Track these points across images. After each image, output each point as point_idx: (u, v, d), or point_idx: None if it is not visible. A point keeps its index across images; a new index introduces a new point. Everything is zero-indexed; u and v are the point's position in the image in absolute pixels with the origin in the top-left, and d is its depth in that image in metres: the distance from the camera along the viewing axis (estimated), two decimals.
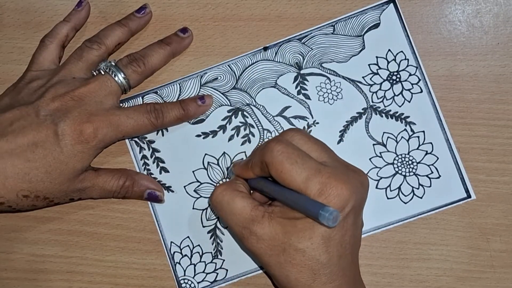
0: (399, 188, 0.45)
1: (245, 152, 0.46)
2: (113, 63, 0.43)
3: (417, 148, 0.45)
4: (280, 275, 0.38)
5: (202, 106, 0.45)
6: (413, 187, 0.45)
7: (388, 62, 0.45)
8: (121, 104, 0.45)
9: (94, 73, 0.43)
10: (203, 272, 0.45)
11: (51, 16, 0.47)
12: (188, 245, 0.46)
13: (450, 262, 0.45)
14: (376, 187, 0.45)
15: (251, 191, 0.42)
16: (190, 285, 0.45)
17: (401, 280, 0.45)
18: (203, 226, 0.46)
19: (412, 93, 0.45)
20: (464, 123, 0.45)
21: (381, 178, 0.45)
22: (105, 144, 0.42)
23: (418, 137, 0.45)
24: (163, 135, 0.46)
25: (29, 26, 0.47)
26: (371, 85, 0.45)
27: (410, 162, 0.45)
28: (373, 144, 0.45)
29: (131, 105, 0.46)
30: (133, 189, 0.44)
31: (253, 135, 0.46)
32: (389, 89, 0.45)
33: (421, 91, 0.45)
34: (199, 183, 0.46)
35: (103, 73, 0.43)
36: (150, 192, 0.45)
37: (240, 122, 0.46)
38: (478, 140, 0.45)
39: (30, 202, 0.41)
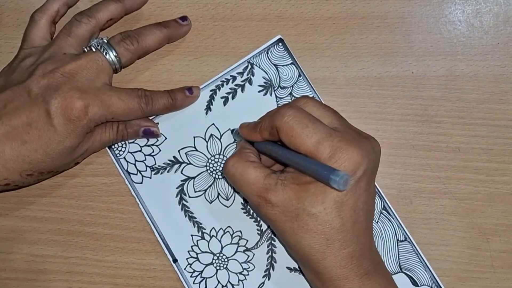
0: None
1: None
2: (105, 40, 0.43)
3: None
4: (294, 241, 0.38)
5: (189, 97, 0.45)
6: None
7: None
8: None
9: (85, 49, 0.43)
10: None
11: None
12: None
13: (450, 262, 0.45)
14: None
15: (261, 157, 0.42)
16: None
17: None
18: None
19: None
20: (464, 123, 0.45)
21: None
22: (95, 123, 0.41)
23: None
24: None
25: None
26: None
27: None
28: None
29: None
30: (128, 130, 0.44)
31: None
32: None
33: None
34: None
35: (94, 50, 0.42)
36: (144, 129, 0.45)
37: None
38: (478, 140, 0.45)
39: (35, 178, 0.42)
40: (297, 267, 0.45)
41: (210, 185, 0.46)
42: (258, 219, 0.45)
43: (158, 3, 0.47)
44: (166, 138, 0.46)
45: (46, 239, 0.46)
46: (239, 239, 0.45)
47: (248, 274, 0.45)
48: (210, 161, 0.46)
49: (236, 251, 0.45)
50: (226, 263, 0.45)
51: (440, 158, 0.46)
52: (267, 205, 0.38)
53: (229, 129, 0.46)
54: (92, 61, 0.41)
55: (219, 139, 0.46)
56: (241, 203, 0.45)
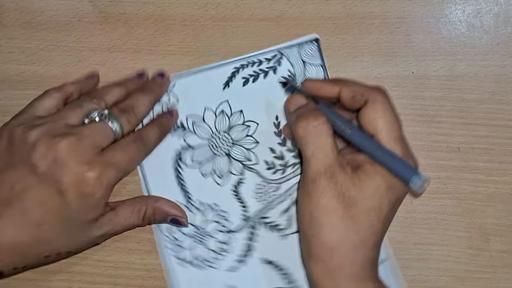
0: None
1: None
2: (106, 112, 0.41)
3: None
4: (336, 225, 0.37)
5: (173, 119, 0.45)
6: None
7: None
8: None
9: (85, 120, 0.41)
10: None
11: (51, 16, 0.47)
12: None
13: (450, 262, 0.45)
14: None
15: None
16: None
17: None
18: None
19: None
20: (465, 123, 0.45)
21: None
22: (110, 189, 0.40)
23: None
24: None
25: (29, 26, 0.47)
26: None
27: None
28: None
29: None
30: (155, 217, 0.44)
31: None
32: None
33: None
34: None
35: (97, 120, 0.41)
36: (172, 218, 0.44)
37: None
38: (478, 140, 0.45)
39: (52, 259, 0.40)
40: (272, 260, 0.45)
41: (209, 160, 0.46)
42: (246, 204, 0.45)
43: (158, 3, 0.47)
44: (178, 100, 0.46)
45: None
46: (224, 220, 0.45)
47: (223, 255, 0.45)
48: (214, 136, 0.46)
49: (218, 230, 0.45)
50: (206, 239, 0.45)
51: (440, 158, 0.46)
52: (333, 177, 0.37)
53: (279, 82, 0.46)
54: (98, 131, 0.40)
55: (229, 117, 0.46)
56: (233, 185, 0.45)
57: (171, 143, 0.46)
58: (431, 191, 0.45)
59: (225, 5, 0.47)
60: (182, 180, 0.45)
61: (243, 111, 0.46)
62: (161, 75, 0.46)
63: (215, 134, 0.46)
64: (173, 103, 0.46)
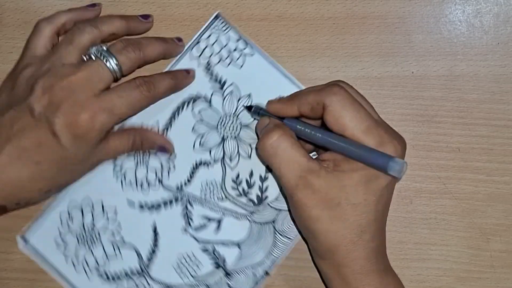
0: None
1: None
2: (104, 48, 0.41)
3: None
4: (328, 229, 0.38)
5: (188, 77, 0.45)
6: None
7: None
8: None
9: (84, 58, 0.41)
10: None
11: None
12: None
13: (450, 262, 0.45)
14: None
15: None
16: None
17: (401, 280, 0.45)
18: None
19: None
20: (465, 123, 0.45)
21: None
22: (105, 131, 0.41)
23: None
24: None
25: (29, 26, 0.47)
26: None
27: None
28: None
29: None
30: (143, 146, 0.44)
31: None
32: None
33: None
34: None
35: (94, 58, 0.41)
36: (159, 146, 0.45)
37: None
38: (478, 140, 0.45)
39: (55, 192, 0.42)
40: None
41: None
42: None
43: (158, 3, 0.47)
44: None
45: None
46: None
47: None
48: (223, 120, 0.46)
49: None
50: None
51: (440, 158, 0.46)
52: (307, 188, 0.37)
53: (243, 106, 0.45)
54: (92, 71, 0.40)
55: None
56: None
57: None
58: (431, 191, 0.45)
59: (225, 5, 0.47)
60: None
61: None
62: (180, 39, 0.46)
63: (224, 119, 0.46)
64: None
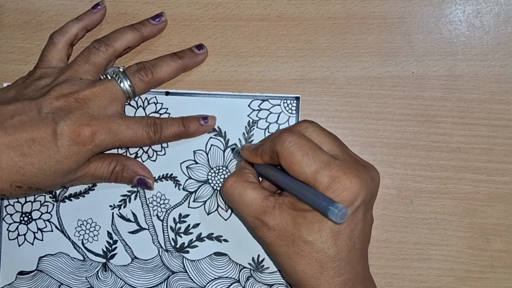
0: None
1: None
2: (121, 69, 0.43)
3: None
4: (288, 266, 0.38)
5: (203, 126, 0.45)
6: None
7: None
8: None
9: (102, 77, 0.43)
10: None
11: (51, 16, 0.47)
12: None
13: (450, 262, 0.45)
14: None
15: (260, 178, 0.43)
16: None
17: (401, 280, 0.45)
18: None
19: None
20: (465, 123, 0.45)
21: None
22: (101, 149, 0.41)
23: None
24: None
25: (29, 26, 0.47)
26: None
27: None
28: None
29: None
30: (123, 174, 0.44)
31: None
32: None
33: None
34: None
35: (109, 78, 0.43)
36: (139, 178, 0.44)
37: None
38: (478, 140, 0.45)
39: (23, 191, 0.41)
40: None
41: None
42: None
43: (158, 3, 0.47)
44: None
45: None
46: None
47: None
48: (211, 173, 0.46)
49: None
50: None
51: (440, 158, 0.46)
52: (264, 227, 0.39)
53: (230, 147, 0.46)
54: (106, 89, 0.42)
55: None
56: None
57: None
58: (431, 191, 0.45)
59: (225, 5, 0.47)
60: None
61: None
62: (200, 47, 0.46)
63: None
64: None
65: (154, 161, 0.46)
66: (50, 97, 0.41)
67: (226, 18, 0.47)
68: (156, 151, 0.46)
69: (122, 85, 0.42)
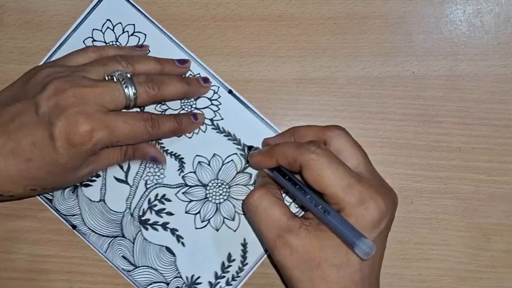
0: None
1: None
2: (128, 75, 0.42)
3: None
4: None
5: (194, 123, 0.45)
6: None
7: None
8: None
9: (106, 77, 0.42)
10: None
11: (52, 16, 0.47)
12: None
13: (451, 262, 0.45)
14: None
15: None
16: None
17: (402, 280, 0.45)
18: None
19: None
20: (465, 123, 0.45)
21: None
22: (99, 148, 0.41)
23: None
24: None
25: (29, 25, 0.47)
26: None
27: None
28: None
29: None
30: (135, 155, 0.45)
31: None
32: None
33: None
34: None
35: (115, 80, 0.41)
36: (151, 156, 0.45)
37: None
38: (479, 140, 0.45)
39: (39, 192, 0.42)
40: None
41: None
42: None
43: (159, 3, 0.47)
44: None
45: (47, 239, 0.46)
46: None
47: None
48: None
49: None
50: None
51: (441, 158, 0.46)
52: (285, 248, 0.37)
53: (235, 153, 0.46)
54: (109, 90, 0.40)
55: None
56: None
57: None
58: (432, 191, 0.45)
59: (226, 5, 0.47)
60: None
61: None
62: (206, 80, 0.46)
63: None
64: None
65: (190, 138, 0.46)
66: (47, 93, 0.39)
67: (227, 18, 0.47)
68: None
69: (126, 90, 0.41)
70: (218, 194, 0.46)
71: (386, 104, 0.46)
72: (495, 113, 0.45)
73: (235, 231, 0.45)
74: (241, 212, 0.45)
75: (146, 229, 0.46)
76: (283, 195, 0.42)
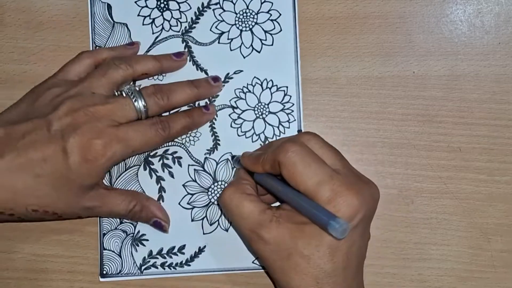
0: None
1: None
2: (137, 89, 0.42)
3: None
4: (282, 280, 0.38)
5: (206, 114, 0.45)
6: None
7: None
8: None
9: (116, 93, 0.42)
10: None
11: (52, 16, 0.47)
12: None
13: (451, 262, 0.45)
14: None
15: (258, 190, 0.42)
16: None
17: (402, 280, 0.45)
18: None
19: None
20: (465, 123, 0.46)
21: None
22: (114, 162, 0.41)
23: None
24: None
25: (30, 26, 0.47)
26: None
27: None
28: None
29: None
30: (141, 215, 0.44)
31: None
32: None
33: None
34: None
35: (124, 95, 0.42)
36: (156, 220, 0.44)
37: None
38: (479, 140, 0.45)
39: (39, 215, 0.41)
40: None
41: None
42: None
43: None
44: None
45: (48, 239, 0.46)
46: None
47: None
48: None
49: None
50: None
51: (441, 158, 0.46)
52: (259, 241, 0.38)
53: (230, 153, 0.46)
54: (120, 106, 0.41)
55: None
56: None
57: None
58: (432, 191, 0.45)
59: None
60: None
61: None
62: (216, 79, 0.46)
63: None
64: None
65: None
66: (59, 113, 0.40)
67: None
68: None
69: (136, 104, 0.41)
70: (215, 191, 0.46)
71: (386, 104, 0.46)
72: (495, 113, 0.46)
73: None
74: None
75: (145, 168, 0.46)
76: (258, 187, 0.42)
